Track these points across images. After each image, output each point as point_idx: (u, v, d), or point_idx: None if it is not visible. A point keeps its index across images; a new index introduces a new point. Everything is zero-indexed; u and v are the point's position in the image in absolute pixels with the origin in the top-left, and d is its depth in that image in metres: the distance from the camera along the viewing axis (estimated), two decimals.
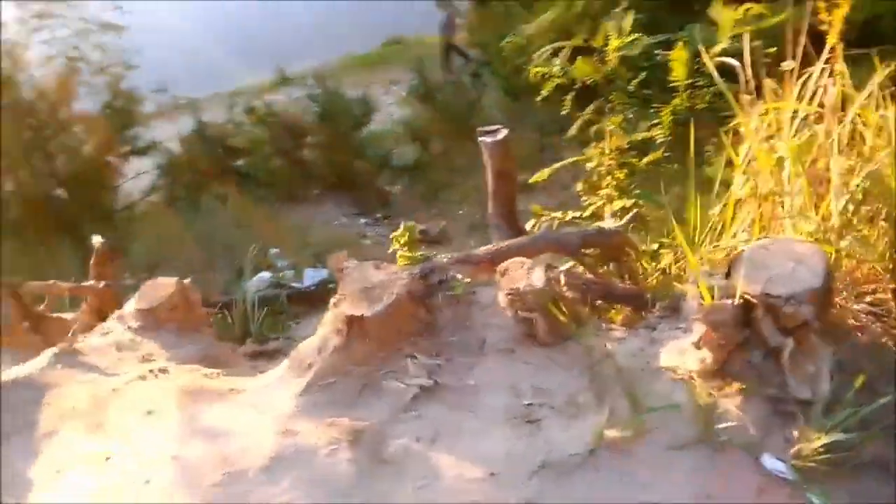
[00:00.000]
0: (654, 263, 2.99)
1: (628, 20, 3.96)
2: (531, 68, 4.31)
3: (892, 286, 2.39)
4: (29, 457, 2.42)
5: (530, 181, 4.13)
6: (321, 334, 2.52)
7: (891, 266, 2.40)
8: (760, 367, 2.21)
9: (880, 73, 2.53)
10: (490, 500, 1.98)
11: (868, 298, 2.46)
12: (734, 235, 2.68)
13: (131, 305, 3.12)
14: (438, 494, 1.99)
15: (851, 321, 2.43)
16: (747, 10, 3.79)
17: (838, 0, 2.63)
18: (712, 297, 2.28)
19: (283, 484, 2.02)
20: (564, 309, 2.47)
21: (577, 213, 3.81)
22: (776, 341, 2.17)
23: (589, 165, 3.85)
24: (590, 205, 3.85)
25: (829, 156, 2.53)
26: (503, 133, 4.62)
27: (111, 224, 7.97)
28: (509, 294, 2.37)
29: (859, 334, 2.36)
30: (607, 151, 3.74)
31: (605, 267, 3.01)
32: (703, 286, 2.29)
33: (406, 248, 2.93)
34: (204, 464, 2.14)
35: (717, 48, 3.74)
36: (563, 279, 2.53)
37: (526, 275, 2.40)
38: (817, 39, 2.75)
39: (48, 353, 2.80)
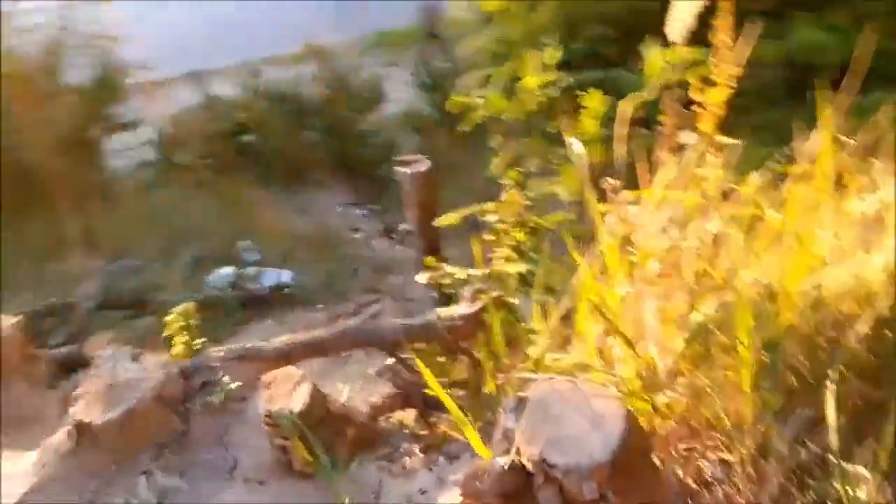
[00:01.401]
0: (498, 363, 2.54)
1: (551, 56, 3.47)
2: (451, 98, 3.85)
3: (739, 452, 1.91)
4: None
5: (436, 223, 3.70)
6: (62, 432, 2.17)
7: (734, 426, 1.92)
8: None
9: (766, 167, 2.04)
10: None
11: (713, 456, 2.00)
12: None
13: None
14: None
15: (689, 480, 1.97)
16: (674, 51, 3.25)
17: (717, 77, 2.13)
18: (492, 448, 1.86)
19: None
20: (347, 431, 2.08)
21: (478, 272, 3.35)
22: None
23: (491, 218, 3.40)
24: (495, 258, 3.41)
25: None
26: (424, 165, 4.26)
27: (89, 203, 7.71)
28: (265, 416, 1.98)
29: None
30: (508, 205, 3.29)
31: (446, 362, 2.58)
32: (471, 435, 1.87)
33: (182, 334, 2.51)
34: None
35: (637, 97, 3.25)
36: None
37: (290, 391, 1.99)
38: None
39: None
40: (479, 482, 1.74)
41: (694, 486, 1.98)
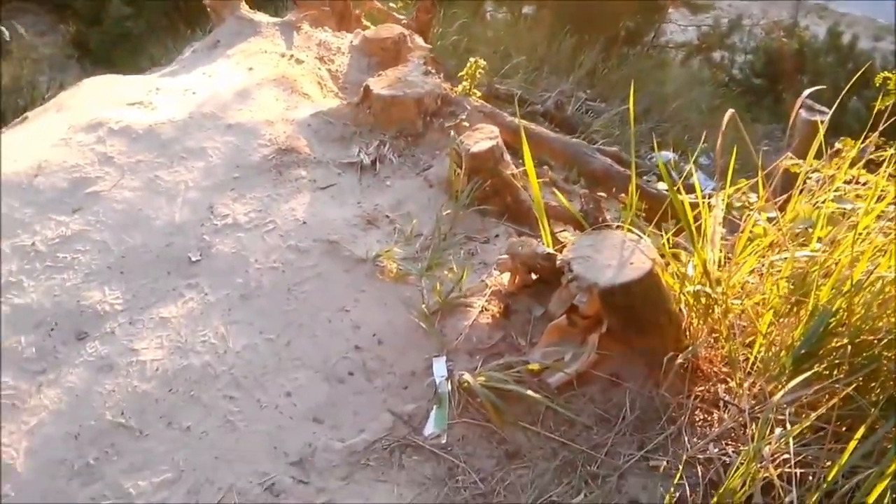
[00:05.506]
0: None
1: None
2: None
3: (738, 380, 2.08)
4: (205, 58, 3.58)
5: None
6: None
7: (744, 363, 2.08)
8: (533, 319, 2.25)
9: None
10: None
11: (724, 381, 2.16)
12: None
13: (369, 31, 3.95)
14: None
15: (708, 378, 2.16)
16: None
17: None
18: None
19: (203, 134, 2.83)
20: (504, 193, 2.65)
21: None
22: (555, 310, 2.17)
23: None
24: None
25: None
26: (817, 116, 4.20)
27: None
28: (453, 145, 2.63)
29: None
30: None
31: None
32: (545, 228, 2.31)
33: (468, 79, 3.15)
34: (216, 100, 3.06)
35: None
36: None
37: (481, 140, 2.60)
38: None
39: (278, 20, 3.82)
40: (521, 248, 2.23)
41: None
